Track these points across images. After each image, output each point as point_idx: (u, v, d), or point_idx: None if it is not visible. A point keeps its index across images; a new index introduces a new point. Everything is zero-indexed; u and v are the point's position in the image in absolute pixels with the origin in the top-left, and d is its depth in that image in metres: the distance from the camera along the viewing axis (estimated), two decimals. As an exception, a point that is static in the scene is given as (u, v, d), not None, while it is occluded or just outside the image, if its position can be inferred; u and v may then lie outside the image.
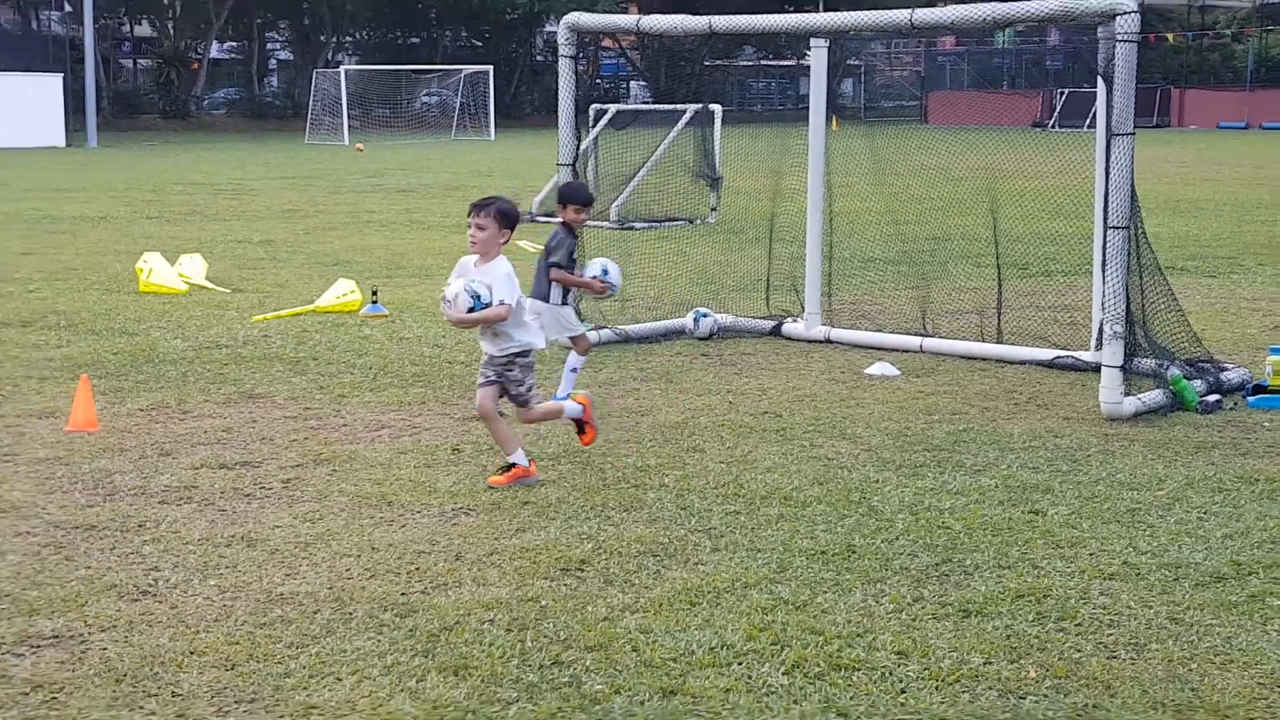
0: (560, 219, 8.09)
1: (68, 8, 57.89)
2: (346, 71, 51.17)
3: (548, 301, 8.01)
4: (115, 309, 11.65)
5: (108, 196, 23.84)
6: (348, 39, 68.35)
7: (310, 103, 51.11)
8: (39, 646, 4.65)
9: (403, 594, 5.15)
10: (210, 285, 12.98)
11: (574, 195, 8.18)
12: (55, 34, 57.20)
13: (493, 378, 6.58)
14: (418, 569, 5.43)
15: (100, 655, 4.57)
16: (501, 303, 6.35)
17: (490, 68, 52.58)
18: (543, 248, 8.13)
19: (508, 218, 6.48)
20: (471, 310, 6.34)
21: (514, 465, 6.53)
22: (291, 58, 69.62)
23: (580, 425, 7.02)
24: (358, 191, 25.44)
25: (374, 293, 11.75)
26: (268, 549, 5.67)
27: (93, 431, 7.51)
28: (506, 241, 6.50)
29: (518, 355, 6.56)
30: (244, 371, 9.19)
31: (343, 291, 11.88)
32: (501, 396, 6.64)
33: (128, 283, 12.98)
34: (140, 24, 67.49)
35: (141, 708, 4.19)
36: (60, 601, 5.04)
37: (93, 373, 8.54)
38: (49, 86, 46.24)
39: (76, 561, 5.50)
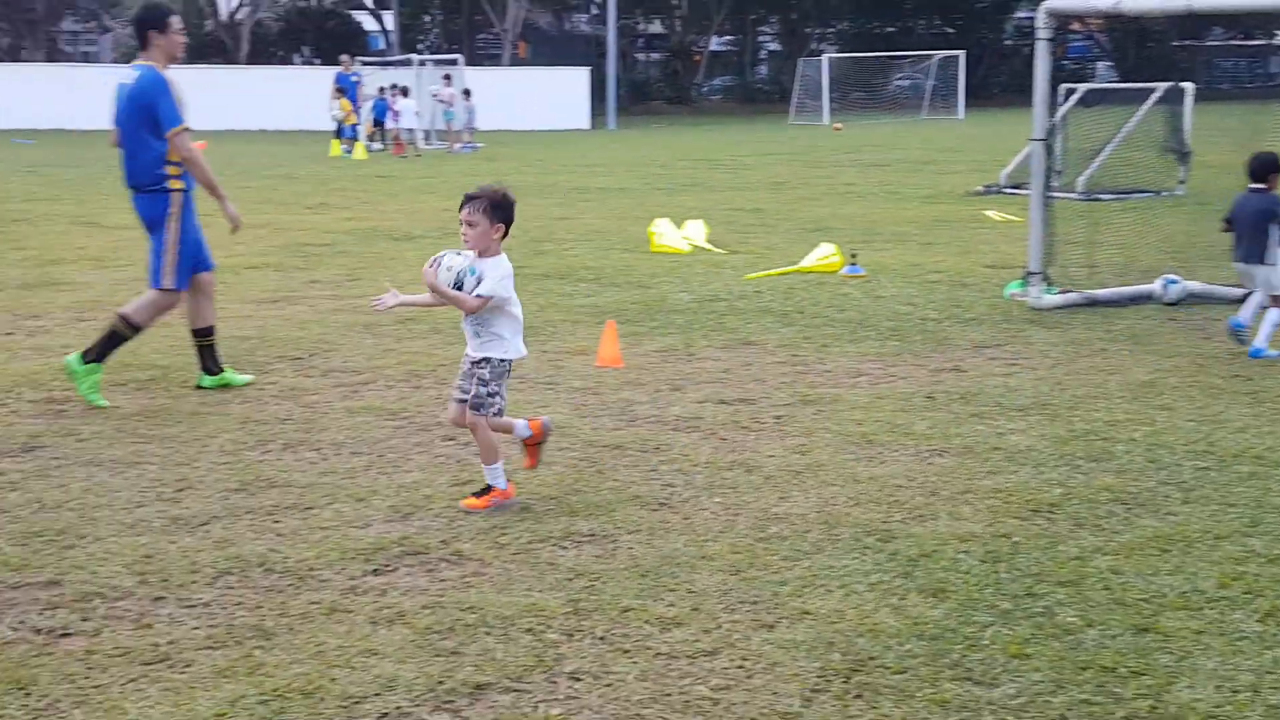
0: (1268, 187, 8.19)
1: (594, 10, 61.16)
2: (829, 59, 51.34)
3: (1262, 263, 8.06)
4: (632, 266, 12.24)
5: (624, 170, 25.05)
6: (830, 30, 68.53)
7: (795, 87, 51.67)
8: (579, 542, 4.98)
9: (884, 522, 5.16)
10: (710, 247, 13.38)
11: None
12: (583, 33, 60.65)
13: (468, 393, 5.41)
14: (896, 501, 5.42)
15: (628, 553, 4.85)
16: (478, 296, 5.25)
17: (962, 52, 51.24)
18: (1256, 214, 8.15)
19: (499, 210, 5.28)
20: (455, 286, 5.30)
21: (491, 488, 5.42)
22: (780, 48, 70.57)
23: (525, 448, 5.69)
24: (836, 166, 25.49)
25: (853, 255, 11.77)
26: (763, 475, 5.82)
27: (617, 368, 7.94)
28: (503, 236, 5.31)
29: (495, 359, 5.40)
30: (739, 322, 9.43)
31: (825, 254, 11.96)
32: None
33: (642, 244, 13.59)
34: (652, 22, 70.40)
35: (662, 599, 4.41)
36: (594, 506, 5.38)
37: (615, 319, 8.99)
38: (578, 78, 49.15)
39: (606, 475, 5.84)
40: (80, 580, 4.57)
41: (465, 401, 5.39)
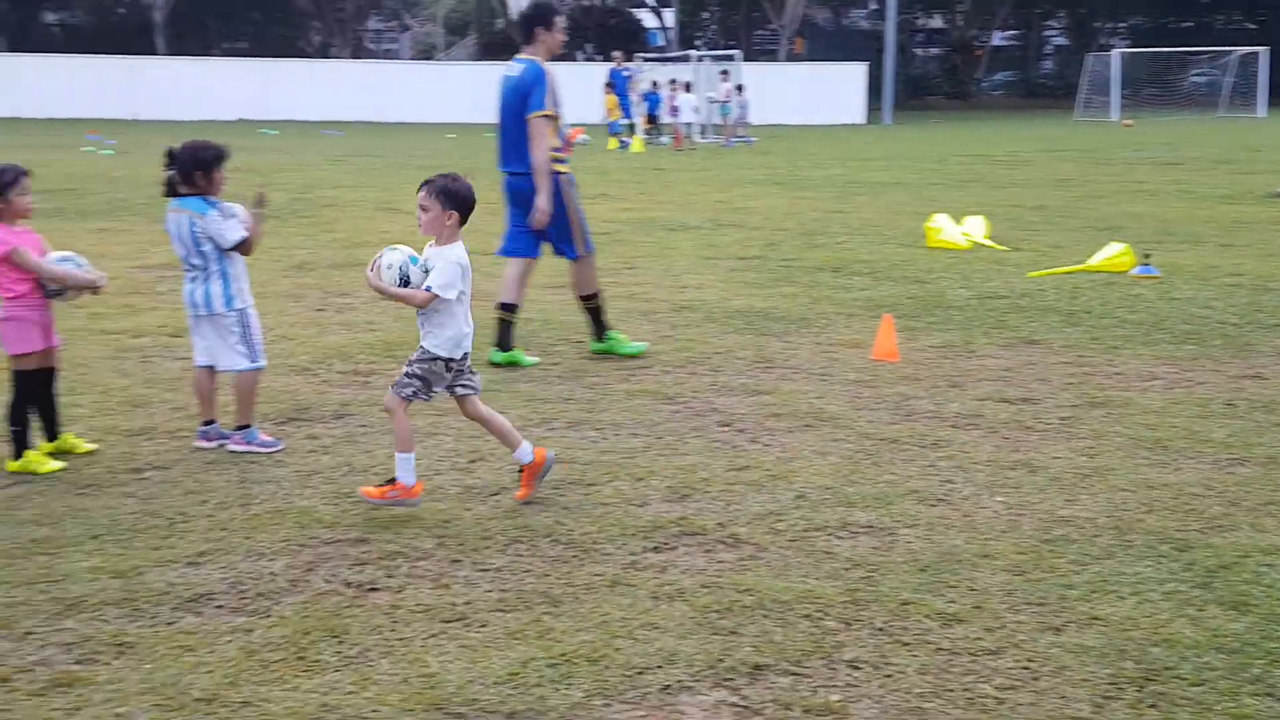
0: None
1: (873, 5, 60.37)
2: (1119, 54, 49.12)
3: None
4: (908, 261, 12.04)
5: (900, 165, 24.65)
6: (1121, 25, 65.61)
7: (1081, 83, 49.68)
8: (856, 533, 4.94)
9: (1179, 530, 4.91)
10: (991, 244, 13.02)
11: None
12: (861, 29, 59.93)
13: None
14: (1193, 510, 5.15)
15: (905, 547, 4.78)
16: (428, 289, 5.00)
17: (1265, 48, 48.09)
18: None
19: (451, 197, 5.01)
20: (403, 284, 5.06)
21: (395, 480, 5.12)
22: (1067, 43, 68.00)
23: (521, 473, 5.35)
24: (1126, 163, 24.35)
25: (1146, 255, 11.22)
26: (1048, 476, 5.62)
27: (893, 362, 7.83)
28: (457, 223, 5.06)
29: (430, 352, 5.10)
30: (1022, 320, 9.14)
31: (1114, 253, 11.45)
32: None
33: (918, 239, 13.35)
34: (932, 17, 68.96)
35: (943, 595, 4.33)
36: (871, 499, 5.32)
37: (891, 313, 8.86)
38: (854, 73, 48.71)
39: (882, 468, 5.77)
40: (385, 540, 4.84)
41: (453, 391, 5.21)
